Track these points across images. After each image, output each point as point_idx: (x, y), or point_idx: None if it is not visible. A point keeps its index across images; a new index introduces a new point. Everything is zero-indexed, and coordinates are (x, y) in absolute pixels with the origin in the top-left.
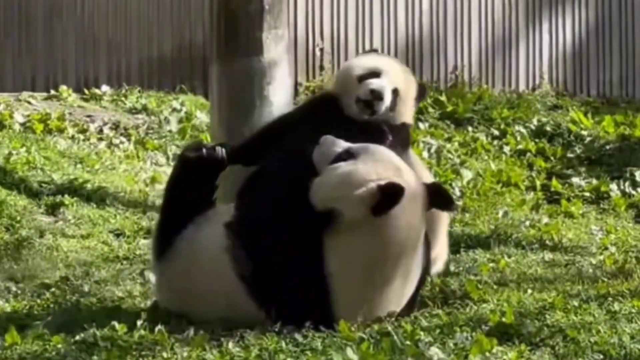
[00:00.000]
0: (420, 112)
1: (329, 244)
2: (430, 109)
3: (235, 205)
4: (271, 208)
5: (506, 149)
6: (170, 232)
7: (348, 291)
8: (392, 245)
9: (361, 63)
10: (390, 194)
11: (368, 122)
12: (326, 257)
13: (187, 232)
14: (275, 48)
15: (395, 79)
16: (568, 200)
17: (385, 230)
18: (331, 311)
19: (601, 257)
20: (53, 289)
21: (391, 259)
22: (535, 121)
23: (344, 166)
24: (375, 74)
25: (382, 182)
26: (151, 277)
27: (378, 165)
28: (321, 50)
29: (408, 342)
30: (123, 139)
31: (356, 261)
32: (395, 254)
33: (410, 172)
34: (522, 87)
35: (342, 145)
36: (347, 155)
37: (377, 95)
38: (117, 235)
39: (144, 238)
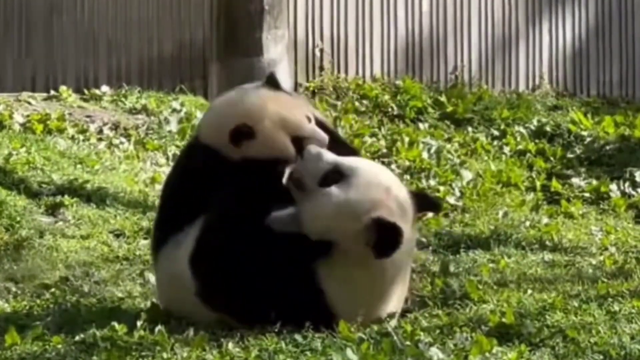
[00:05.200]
0: (420, 113)
1: (324, 273)
2: (430, 109)
3: (197, 270)
4: (250, 246)
5: (506, 149)
6: (166, 232)
7: (347, 310)
8: (390, 268)
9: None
10: (390, 236)
11: None
12: (323, 286)
13: (168, 246)
14: (275, 48)
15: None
16: (568, 200)
17: (371, 260)
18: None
19: (601, 258)
20: (53, 290)
21: (389, 279)
22: (535, 121)
23: (335, 194)
24: (298, 139)
25: (378, 216)
26: (151, 277)
27: (370, 189)
28: (321, 50)
29: (408, 343)
30: (123, 139)
31: (354, 287)
32: (393, 274)
33: (398, 185)
34: (522, 87)
35: (328, 159)
36: (337, 174)
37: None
38: (117, 236)
39: (144, 238)
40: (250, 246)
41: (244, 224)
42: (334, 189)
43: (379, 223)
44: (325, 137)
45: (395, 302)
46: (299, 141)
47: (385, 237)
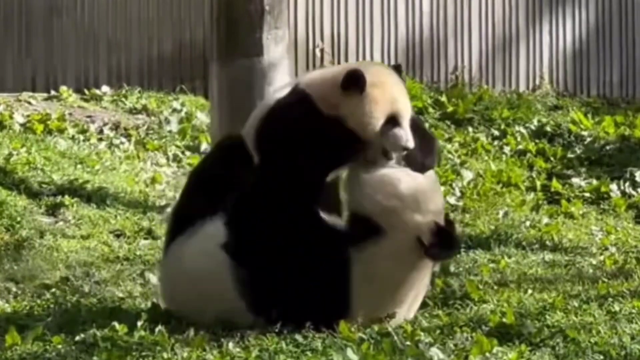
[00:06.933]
0: (420, 113)
1: (357, 263)
2: (431, 110)
3: (230, 221)
4: (289, 226)
5: (506, 149)
6: (186, 222)
7: (365, 308)
8: (414, 270)
9: (376, 104)
10: (446, 243)
11: None
12: (352, 275)
13: (183, 235)
14: (275, 48)
15: (408, 112)
16: (568, 200)
17: (412, 256)
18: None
19: (601, 258)
20: (53, 290)
21: (411, 280)
22: (535, 121)
23: (411, 180)
24: (395, 120)
25: (441, 224)
26: (151, 277)
27: (438, 193)
28: (321, 50)
29: (408, 343)
30: (123, 139)
31: (377, 281)
32: (416, 277)
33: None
34: (522, 87)
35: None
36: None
37: (407, 149)
38: (118, 236)
39: (145, 239)
40: (286, 235)
41: (282, 212)
42: (409, 175)
43: (442, 229)
44: (402, 147)
45: (408, 305)
46: (392, 123)
47: (443, 242)
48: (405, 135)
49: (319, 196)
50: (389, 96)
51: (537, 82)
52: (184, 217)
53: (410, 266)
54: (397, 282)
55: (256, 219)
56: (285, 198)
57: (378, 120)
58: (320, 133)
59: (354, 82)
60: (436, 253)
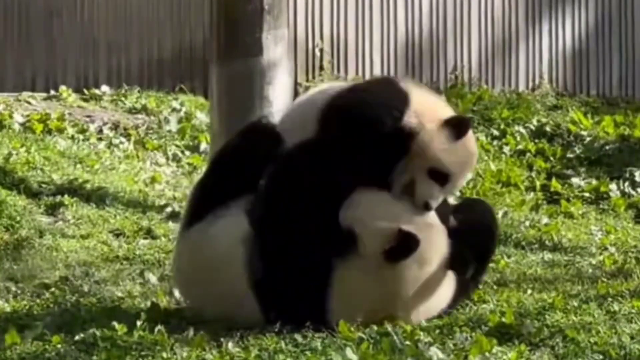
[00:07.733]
0: None
1: (339, 271)
2: None
3: (260, 195)
4: (300, 216)
5: (506, 149)
6: (205, 205)
7: (340, 315)
8: (392, 296)
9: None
10: (404, 244)
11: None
12: (333, 283)
13: (208, 218)
14: (275, 48)
15: (462, 183)
16: (568, 200)
17: (390, 278)
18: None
19: (601, 258)
20: (53, 289)
21: (387, 295)
22: (535, 121)
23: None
24: (445, 178)
25: (403, 228)
26: (151, 277)
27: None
28: (321, 50)
29: (408, 343)
30: (123, 139)
31: (349, 290)
32: (392, 303)
33: (442, 232)
34: (521, 87)
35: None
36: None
37: (426, 206)
38: (117, 236)
39: (144, 238)
40: (293, 223)
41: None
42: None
43: (402, 232)
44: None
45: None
46: (440, 176)
47: (399, 243)
48: (436, 197)
49: (340, 193)
50: (464, 157)
51: (537, 82)
52: (205, 201)
53: (380, 281)
54: (368, 294)
55: (278, 196)
56: (310, 182)
57: (437, 164)
58: (384, 131)
59: (464, 129)
60: (394, 255)
